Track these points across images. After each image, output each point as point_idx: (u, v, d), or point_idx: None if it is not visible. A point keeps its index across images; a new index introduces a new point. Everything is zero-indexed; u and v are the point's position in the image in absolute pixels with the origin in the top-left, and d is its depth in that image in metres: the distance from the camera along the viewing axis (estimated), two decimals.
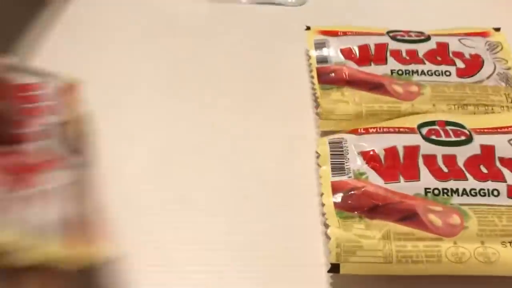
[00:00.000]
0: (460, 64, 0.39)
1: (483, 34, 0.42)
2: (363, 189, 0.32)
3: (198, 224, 0.34)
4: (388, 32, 0.42)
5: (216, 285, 0.31)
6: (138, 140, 0.38)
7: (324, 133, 0.37)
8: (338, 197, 0.33)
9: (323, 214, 0.32)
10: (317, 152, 0.36)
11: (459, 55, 0.40)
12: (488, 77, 0.39)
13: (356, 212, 0.32)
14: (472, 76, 0.39)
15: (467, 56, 0.40)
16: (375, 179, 0.33)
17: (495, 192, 0.32)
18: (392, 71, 0.39)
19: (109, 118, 0.39)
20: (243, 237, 0.33)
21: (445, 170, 0.33)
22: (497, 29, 0.43)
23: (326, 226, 0.32)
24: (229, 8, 0.48)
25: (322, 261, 0.32)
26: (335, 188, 0.33)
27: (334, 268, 0.30)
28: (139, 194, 0.35)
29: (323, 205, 0.33)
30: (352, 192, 0.33)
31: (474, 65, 0.40)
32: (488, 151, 0.34)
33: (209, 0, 0.49)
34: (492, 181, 0.32)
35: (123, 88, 0.42)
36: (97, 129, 0.37)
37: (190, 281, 0.32)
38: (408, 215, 0.31)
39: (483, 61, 0.40)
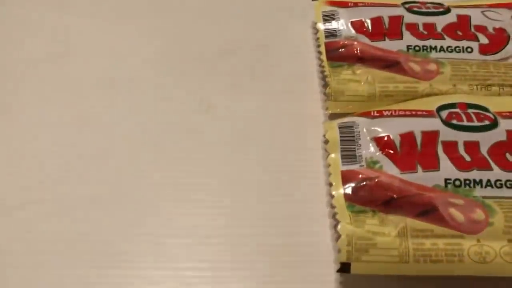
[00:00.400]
0: (483, 40, 0.38)
1: (509, 6, 0.40)
2: (376, 180, 0.31)
3: (193, 215, 0.32)
4: (403, 3, 0.40)
5: (212, 283, 0.30)
6: (124, 121, 0.36)
7: (333, 116, 0.35)
8: (349, 188, 0.31)
9: (333, 207, 0.31)
10: (325, 137, 0.34)
11: (482, 29, 0.38)
12: None
13: (369, 206, 0.30)
14: (496, 52, 0.37)
15: (491, 30, 0.38)
16: (390, 169, 0.31)
17: None
18: (408, 47, 0.37)
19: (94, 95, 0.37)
20: (242, 231, 0.32)
21: (467, 158, 0.31)
22: None
23: (336, 221, 0.30)
24: None
25: (330, 257, 0.30)
26: (346, 178, 0.31)
27: (344, 268, 0.29)
28: (127, 180, 0.33)
29: (332, 196, 0.31)
30: (365, 183, 0.31)
31: (499, 40, 0.38)
32: None
33: None
34: None
35: (110, 63, 0.40)
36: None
37: (184, 279, 0.30)
38: (426, 209, 0.30)
39: (509, 36, 0.38)
